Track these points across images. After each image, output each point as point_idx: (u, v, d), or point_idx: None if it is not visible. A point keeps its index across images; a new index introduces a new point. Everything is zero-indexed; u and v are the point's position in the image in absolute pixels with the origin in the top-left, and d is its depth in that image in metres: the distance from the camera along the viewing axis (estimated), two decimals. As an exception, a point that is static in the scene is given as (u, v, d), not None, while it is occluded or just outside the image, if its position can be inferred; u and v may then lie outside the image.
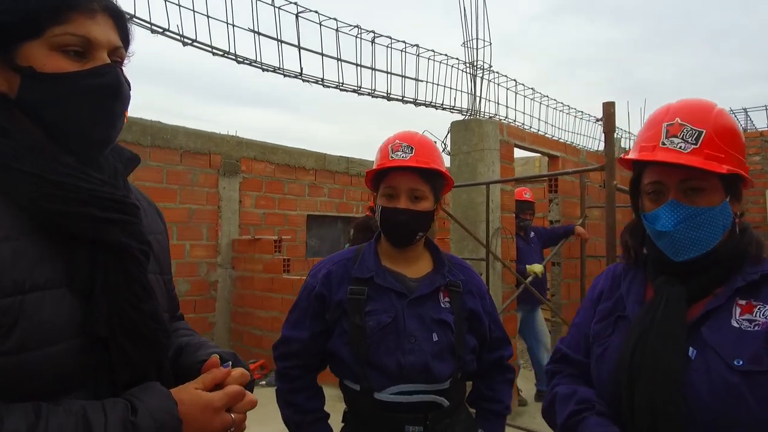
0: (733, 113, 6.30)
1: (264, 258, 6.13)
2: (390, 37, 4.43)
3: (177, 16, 3.47)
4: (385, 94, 4.55)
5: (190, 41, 3.55)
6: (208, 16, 3.55)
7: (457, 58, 5.00)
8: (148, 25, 3.41)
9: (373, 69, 4.39)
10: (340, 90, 4.26)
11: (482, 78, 5.13)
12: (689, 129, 1.02)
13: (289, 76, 3.97)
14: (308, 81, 4.06)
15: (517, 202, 4.85)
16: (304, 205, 7.41)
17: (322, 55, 4.04)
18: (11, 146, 0.78)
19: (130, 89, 0.89)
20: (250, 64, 3.81)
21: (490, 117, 5.18)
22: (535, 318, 4.85)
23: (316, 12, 3.92)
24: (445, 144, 4.83)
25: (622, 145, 7.65)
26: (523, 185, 5.42)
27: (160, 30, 3.44)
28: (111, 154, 0.92)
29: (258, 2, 3.70)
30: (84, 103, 0.82)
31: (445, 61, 4.92)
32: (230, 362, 0.92)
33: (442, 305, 1.48)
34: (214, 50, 3.67)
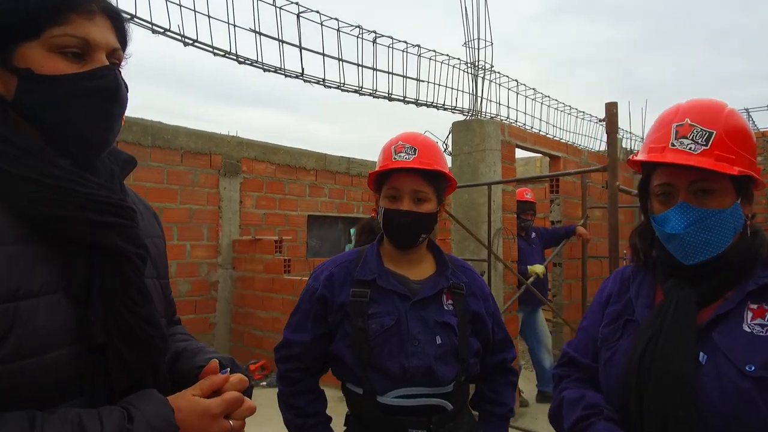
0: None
1: (265, 258, 6.12)
2: (391, 38, 4.41)
3: (178, 16, 3.46)
4: (387, 95, 4.53)
5: (191, 41, 3.54)
6: (209, 16, 3.54)
7: (458, 59, 4.99)
8: (149, 26, 3.39)
9: (374, 69, 4.37)
10: (342, 90, 4.24)
11: (483, 78, 5.12)
12: (699, 130, 1.01)
13: (291, 77, 3.96)
14: (309, 81, 4.05)
15: (518, 203, 4.83)
16: (304, 206, 7.40)
17: (324, 55, 4.02)
18: (7, 149, 0.77)
19: (127, 91, 0.87)
20: (251, 65, 3.80)
21: (492, 117, 5.16)
22: (537, 319, 4.84)
23: (318, 12, 3.91)
24: (446, 144, 4.82)
25: (623, 146, 7.63)
26: (524, 186, 5.41)
27: (161, 30, 3.43)
28: (107, 157, 0.91)
29: (259, 2, 3.69)
30: (82, 105, 0.81)
31: (447, 62, 4.91)
32: (228, 368, 0.91)
33: (446, 308, 1.46)
34: (215, 50, 3.65)
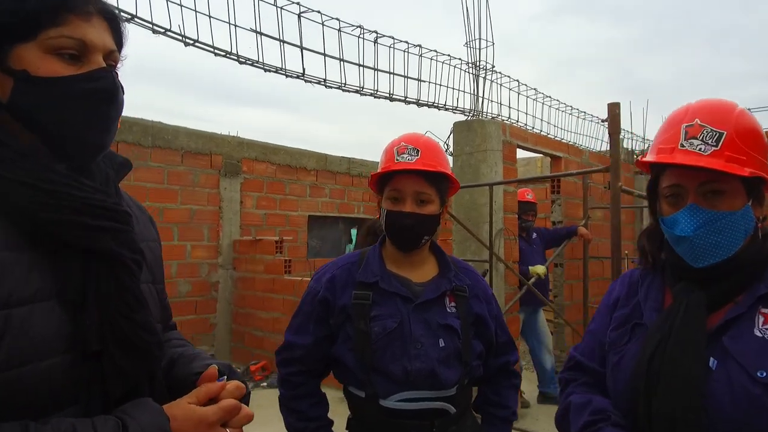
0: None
1: (265, 259, 6.11)
2: (393, 38, 4.40)
3: (178, 16, 3.44)
4: (388, 95, 4.52)
5: (191, 41, 3.53)
6: (209, 16, 3.53)
7: (460, 59, 4.98)
8: (150, 26, 3.38)
9: (375, 69, 4.36)
10: (343, 90, 4.23)
11: (485, 78, 5.10)
12: (709, 130, 0.99)
13: (292, 77, 3.95)
14: (311, 81, 4.03)
15: (519, 203, 4.82)
16: (305, 206, 7.38)
17: (325, 55, 4.01)
18: (2, 153, 0.76)
19: (123, 94, 0.86)
20: (252, 65, 3.78)
21: (493, 117, 5.15)
22: (537, 319, 4.83)
23: (319, 12, 3.89)
24: (447, 144, 4.81)
25: (624, 146, 7.62)
26: (525, 186, 5.40)
27: (162, 30, 3.42)
28: (102, 160, 0.89)
29: (260, 2, 3.67)
30: (79, 108, 0.80)
31: (448, 62, 4.90)
32: (225, 376, 0.90)
33: (448, 310, 1.45)
34: (215, 50, 3.64)
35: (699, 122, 1.00)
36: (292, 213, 7.22)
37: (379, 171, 1.47)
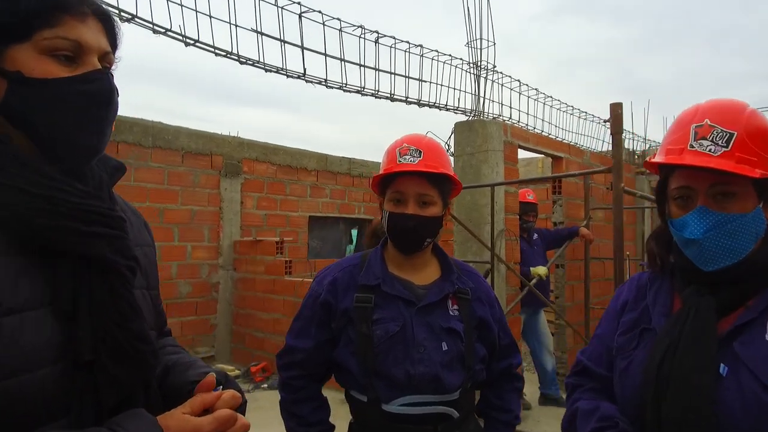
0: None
1: (266, 259, 6.10)
2: (394, 38, 4.39)
3: (179, 16, 3.43)
4: (389, 95, 4.51)
5: (192, 42, 3.51)
6: (210, 16, 3.52)
7: (461, 59, 4.96)
8: (150, 26, 3.37)
9: (376, 69, 4.35)
10: (344, 91, 4.22)
11: (486, 78, 5.09)
12: (719, 131, 0.97)
13: (292, 77, 3.93)
14: (311, 82, 4.02)
15: (520, 204, 4.81)
16: (305, 206, 7.37)
17: (326, 55, 4.00)
18: None
19: (118, 96, 0.85)
20: (252, 65, 3.77)
21: (494, 118, 5.14)
22: (538, 320, 4.81)
23: (320, 12, 3.88)
24: (448, 145, 4.79)
25: (625, 146, 7.60)
26: (526, 186, 5.38)
27: (162, 30, 3.41)
28: (96, 164, 0.87)
29: (261, 2, 3.66)
30: (75, 110, 0.78)
31: (449, 62, 4.88)
32: (221, 386, 0.88)
33: (451, 313, 1.44)
34: (216, 51, 3.63)
35: (709, 123, 0.98)
36: (293, 213, 7.20)
37: (381, 172, 1.46)
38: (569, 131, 6.31)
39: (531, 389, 4.96)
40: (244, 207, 6.60)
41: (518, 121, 5.48)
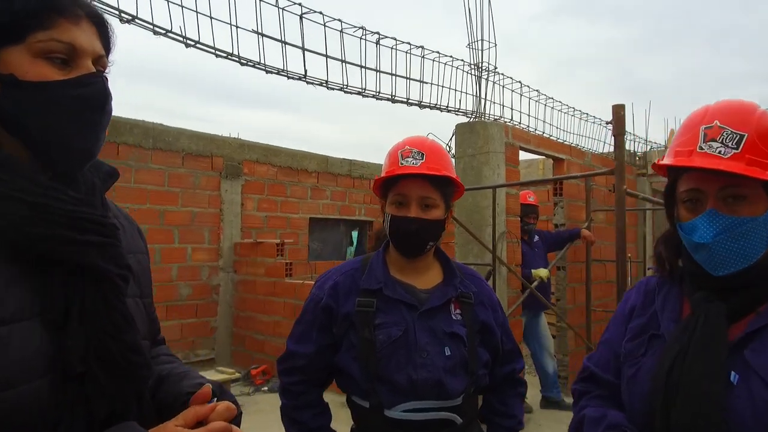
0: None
1: (266, 261, 6.08)
2: (395, 39, 4.38)
3: (180, 17, 3.42)
4: (390, 96, 4.49)
5: (192, 43, 3.50)
6: (211, 17, 3.51)
7: (462, 60, 4.95)
8: (151, 27, 3.36)
9: (377, 71, 4.34)
10: (345, 92, 4.21)
11: (487, 80, 5.08)
12: (729, 132, 0.95)
13: (293, 78, 3.92)
14: (312, 83, 4.01)
15: (521, 206, 4.79)
16: (306, 208, 7.36)
17: (327, 56, 3.99)
18: None
19: (112, 100, 0.83)
20: (253, 66, 3.76)
21: (495, 119, 5.12)
22: (539, 323, 4.79)
23: (321, 13, 3.87)
24: (449, 147, 4.78)
25: (626, 147, 7.58)
26: (527, 188, 5.36)
27: (163, 31, 3.40)
28: (88, 169, 0.86)
29: (262, 3, 3.65)
30: (69, 114, 0.76)
31: (450, 63, 4.87)
32: (216, 398, 0.86)
33: (454, 317, 1.42)
34: (217, 52, 3.62)
35: (718, 124, 0.96)
36: (293, 215, 7.19)
37: (383, 175, 1.44)
38: (570, 132, 6.30)
39: (532, 392, 4.94)
40: (244, 209, 6.58)
41: (519, 123, 5.47)
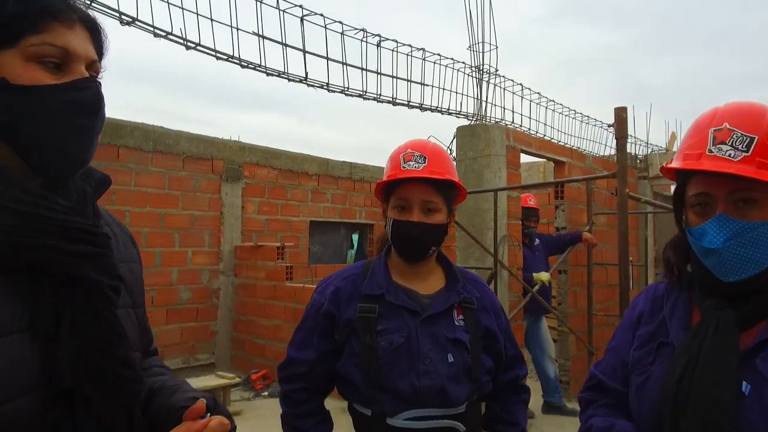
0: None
1: (266, 265, 6.06)
2: (396, 41, 4.37)
3: (180, 20, 3.41)
4: (391, 99, 4.48)
5: (193, 45, 3.49)
6: (211, 20, 3.50)
7: (463, 62, 4.94)
8: (151, 29, 3.35)
9: (378, 73, 4.32)
10: (345, 95, 4.19)
11: (488, 82, 5.07)
12: (739, 135, 0.93)
13: (294, 81, 3.91)
14: (313, 85, 4.00)
15: (522, 209, 4.78)
16: (306, 211, 7.34)
17: (327, 59, 3.98)
18: None
19: (105, 106, 0.82)
20: (254, 69, 3.75)
21: (496, 122, 5.11)
22: (540, 327, 4.77)
23: (322, 15, 3.86)
24: (450, 149, 4.77)
25: (627, 150, 7.56)
26: (528, 191, 5.35)
27: (163, 33, 3.39)
28: (80, 176, 0.84)
29: (262, 6, 3.64)
30: (62, 119, 0.75)
31: (451, 65, 4.86)
32: (210, 412, 0.84)
33: (457, 323, 1.40)
34: (217, 54, 3.61)
35: (728, 126, 0.94)
36: (294, 218, 7.17)
37: (384, 179, 1.42)
38: (570, 135, 6.29)
39: (534, 397, 4.88)
40: (244, 212, 6.57)
41: (520, 126, 5.46)
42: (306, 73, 3.92)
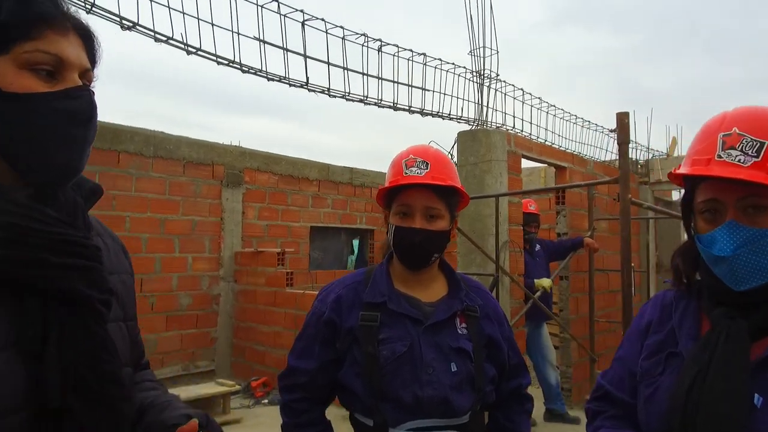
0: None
1: (267, 271, 6.03)
2: (397, 46, 4.36)
3: (181, 24, 3.41)
4: (392, 104, 4.47)
5: (194, 50, 3.48)
6: (212, 25, 3.49)
7: (464, 67, 4.94)
8: (152, 34, 3.34)
9: (379, 78, 4.32)
10: (347, 100, 4.18)
11: (489, 87, 5.06)
12: (749, 140, 0.90)
13: (295, 86, 3.90)
14: (314, 90, 3.99)
15: (523, 215, 4.75)
16: (307, 217, 7.32)
17: (329, 64, 3.97)
18: None
19: (98, 115, 0.81)
20: (255, 74, 3.74)
21: (497, 127, 5.10)
22: (541, 334, 4.73)
23: (323, 20, 3.86)
24: (451, 154, 4.76)
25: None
26: (529, 197, 5.33)
27: (164, 38, 3.38)
28: (71, 187, 0.83)
29: (263, 10, 3.64)
30: (54, 127, 0.73)
31: (452, 70, 4.86)
32: (202, 430, 0.83)
33: (459, 332, 1.37)
34: (218, 59, 3.60)
35: (737, 131, 0.92)
36: (294, 224, 7.15)
37: (386, 185, 1.40)
38: (571, 140, 6.28)
39: (535, 404, 4.85)
40: (245, 217, 6.55)
41: (521, 131, 5.45)
42: (307, 78, 3.91)
